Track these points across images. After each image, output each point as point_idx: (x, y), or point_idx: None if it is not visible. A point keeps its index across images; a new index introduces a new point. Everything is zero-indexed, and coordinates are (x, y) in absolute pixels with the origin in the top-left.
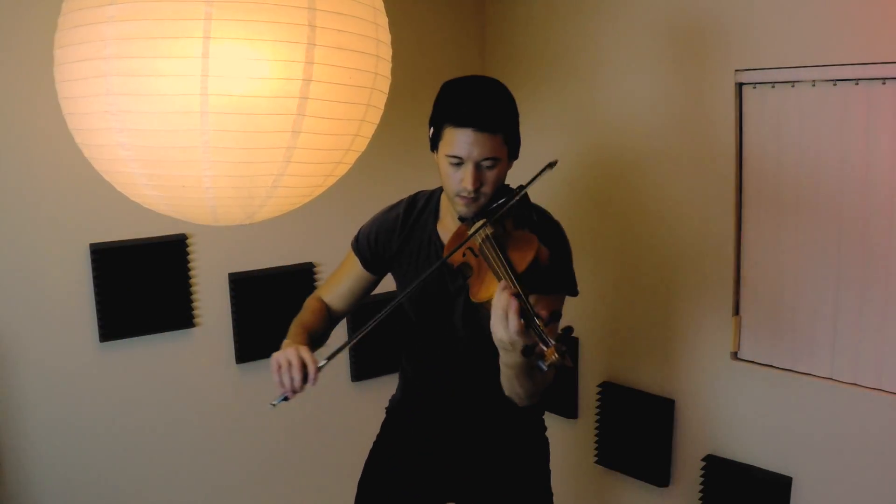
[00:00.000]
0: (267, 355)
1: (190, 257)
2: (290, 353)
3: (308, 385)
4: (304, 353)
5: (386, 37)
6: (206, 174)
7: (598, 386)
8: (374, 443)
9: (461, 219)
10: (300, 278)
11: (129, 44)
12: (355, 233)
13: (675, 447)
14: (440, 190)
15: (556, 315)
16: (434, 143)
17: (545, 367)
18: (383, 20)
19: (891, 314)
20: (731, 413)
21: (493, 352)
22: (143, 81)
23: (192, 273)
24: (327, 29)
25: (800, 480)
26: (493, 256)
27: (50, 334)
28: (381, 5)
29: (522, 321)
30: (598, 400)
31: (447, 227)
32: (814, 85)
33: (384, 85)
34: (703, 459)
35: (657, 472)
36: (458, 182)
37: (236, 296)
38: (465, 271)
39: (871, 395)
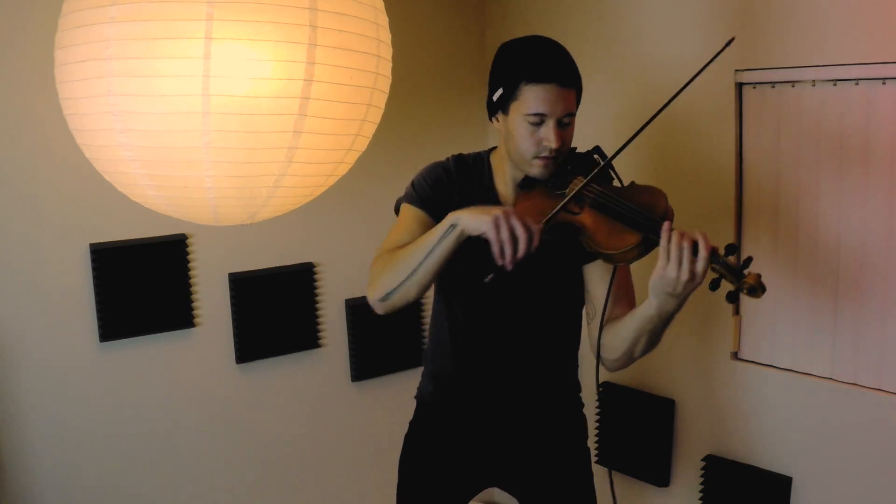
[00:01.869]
0: (267, 355)
1: (190, 257)
2: (511, 217)
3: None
4: (527, 217)
5: (387, 37)
6: (207, 174)
7: (599, 386)
8: (409, 437)
9: (524, 185)
10: (300, 278)
11: (131, 44)
12: (361, 234)
13: (675, 447)
14: (487, 153)
15: (733, 247)
16: (503, 105)
17: (745, 293)
18: (384, 20)
19: (891, 314)
20: (731, 413)
21: (556, 313)
22: (144, 82)
23: (192, 273)
24: (328, 29)
25: (800, 480)
26: (617, 207)
27: (50, 334)
28: (381, 5)
29: (709, 248)
30: (598, 400)
31: (503, 193)
32: (814, 85)
33: (385, 85)
34: (703, 459)
35: (657, 472)
36: (539, 142)
37: (236, 296)
38: (572, 228)
39: (871, 395)
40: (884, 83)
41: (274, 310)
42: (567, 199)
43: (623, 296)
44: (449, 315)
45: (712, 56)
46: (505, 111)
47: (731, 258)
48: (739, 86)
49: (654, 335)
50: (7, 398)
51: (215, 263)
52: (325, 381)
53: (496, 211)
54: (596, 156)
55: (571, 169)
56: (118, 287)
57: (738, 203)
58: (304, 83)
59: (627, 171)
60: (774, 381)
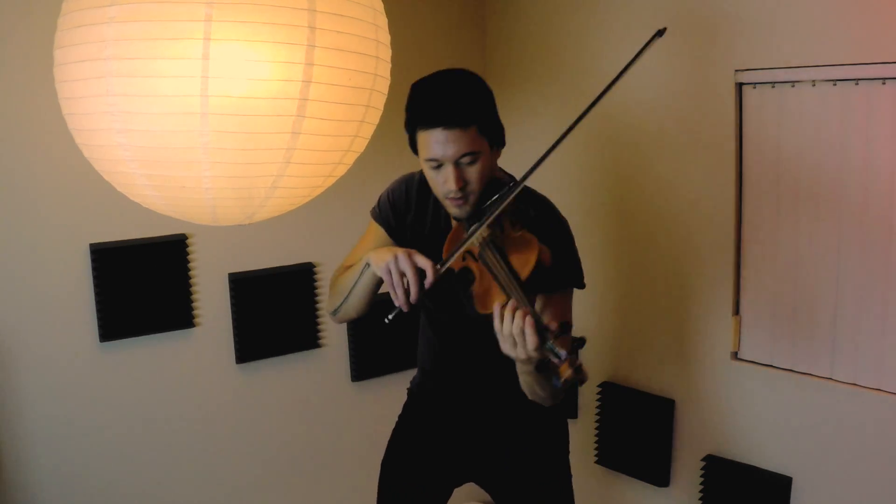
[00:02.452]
0: (267, 355)
1: (190, 257)
2: (401, 259)
3: (423, 292)
4: (417, 255)
5: (385, 38)
6: (205, 175)
7: (598, 386)
8: (397, 424)
9: (456, 219)
10: (300, 278)
11: (130, 45)
12: (361, 234)
13: (675, 447)
14: None
15: (566, 326)
16: (413, 149)
17: (559, 384)
18: (383, 21)
19: (891, 314)
20: (731, 413)
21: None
22: (143, 82)
23: (192, 273)
24: (327, 30)
25: (800, 480)
26: (494, 264)
27: (50, 334)
28: (380, 6)
29: (537, 339)
30: (598, 400)
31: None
32: (814, 85)
33: (384, 86)
34: (703, 459)
35: (657, 472)
36: (443, 184)
37: (236, 296)
38: (467, 276)
39: (871, 395)
40: (884, 83)
41: (274, 310)
42: (459, 248)
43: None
44: (426, 313)
45: (533, 165)
46: (417, 154)
47: (562, 339)
48: (739, 86)
49: (534, 386)
50: (7, 398)
51: (215, 263)
52: (325, 381)
53: (393, 254)
54: (512, 184)
55: (493, 202)
56: (118, 287)
57: (739, 203)
58: (303, 84)
59: (627, 170)
60: (774, 381)
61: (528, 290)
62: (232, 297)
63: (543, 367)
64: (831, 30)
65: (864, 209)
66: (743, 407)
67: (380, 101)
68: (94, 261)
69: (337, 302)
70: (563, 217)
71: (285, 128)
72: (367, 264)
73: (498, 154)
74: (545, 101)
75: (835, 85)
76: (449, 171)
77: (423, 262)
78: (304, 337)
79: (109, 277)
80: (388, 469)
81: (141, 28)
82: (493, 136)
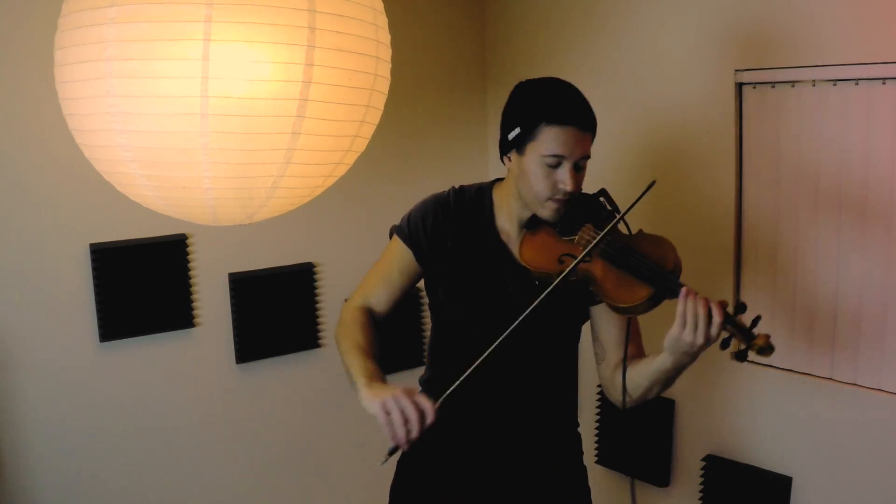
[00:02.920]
0: (267, 355)
1: (190, 257)
2: (401, 399)
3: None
4: (419, 397)
5: (385, 38)
6: (205, 175)
7: (598, 386)
8: (405, 453)
9: (530, 225)
10: (300, 278)
11: (130, 45)
12: (361, 234)
13: (675, 447)
14: (489, 186)
15: (742, 306)
16: (519, 144)
17: (755, 353)
18: (383, 21)
19: (891, 314)
20: (731, 413)
21: (548, 354)
22: (143, 83)
23: (192, 273)
24: (327, 31)
25: (800, 480)
26: (626, 258)
27: (50, 334)
28: (380, 6)
29: (723, 315)
30: (598, 400)
31: (505, 230)
32: (814, 85)
33: (384, 86)
34: (703, 459)
35: (657, 472)
36: (554, 184)
37: (236, 296)
38: (579, 279)
39: (871, 395)
40: (884, 83)
41: (274, 310)
42: (576, 261)
43: (632, 339)
44: (443, 338)
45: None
46: (520, 151)
47: (741, 317)
48: (739, 86)
49: (669, 382)
50: (7, 398)
51: (215, 263)
52: (325, 381)
53: (388, 393)
54: (602, 199)
55: (578, 213)
56: (118, 287)
57: (739, 202)
58: (303, 84)
59: (627, 170)
60: (774, 381)
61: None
62: (232, 297)
63: (726, 344)
64: (831, 30)
65: (863, 209)
66: (743, 407)
67: (380, 101)
68: (94, 261)
69: (340, 354)
70: None
71: (285, 128)
72: (358, 387)
73: None
74: None
75: (835, 85)
76: (567, 170)
77: (425, 403)
78: (304, 337)
79: (109, 277)
80: (400, 487)
81: (141, 29)
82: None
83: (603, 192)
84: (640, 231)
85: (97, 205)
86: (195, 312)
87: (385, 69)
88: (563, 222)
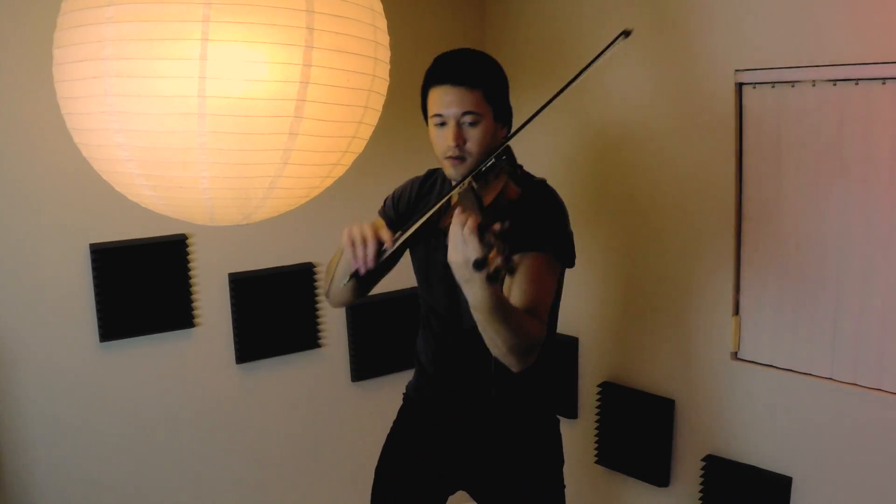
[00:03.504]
0: (267, 355)
1: (190, 257)
2: (364, 226)
3: (380, 259)
4: (380, 227)
5: (384, 39)
6: (203, 175)
7: (598, 386)
8: (392, 429)
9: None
10: (300, 278)
11: (128, 45)
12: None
13: (675, 447)
14: None
15: (505, 227)
16: (425, 115)
17: (494, 275)
18: (381, 22)
19: (891, 314)
20: (731, 413)
21: None
22: (141, 82)
23: (192, 273)
24: (325, 31)
25: (800, 480)
26: (466, 200)
27: (50, 334)
28: (379, 7)
29: (476, 230)
30: (598, 400)
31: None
32: (814, 85)
33: (382, 87)
34: (703, 459)
35: (657, 472)
36: (444, 143)
37: (236, 296)
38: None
39: (871, 395)
40: (884, 83)
41: (274, 310)
42: (442, 199)
43: (524, 295)
44: (424, 317)
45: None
46: (426, 121)
47: (496, 237)
48: (739, 86)
49: (493, 325)
50: (7, 398)
51: (215, 263)
52: (325, 381)
53: (359, 225)
54: (504, 157)
55: (480, 163)
56: (118, 287)
57: (739, 203)
58: (301, 85)
59: (627, 170)
60: (774, 381)
61: (489, 216)
62: (232, 297)
63: (481, 264)
64: (831, 30)
65: (864, 208)
66: (743, 407)
67: (378, 103)
68: (94, 261)
69: (327, 284)
70: (556, 194)
71: (283, 128)
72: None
73: (503, 132)
74: (543, 101)
75: (835, 85)
76: (450, 128)
77: (384, 232)
78: (304, 337)
79: (109, 277)
80: (381, 475)
81: (139, 28)
82: (499, 109)
83: (506, 148)
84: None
85: (97, 205)
86: (195, 312)
87: (383, 70)
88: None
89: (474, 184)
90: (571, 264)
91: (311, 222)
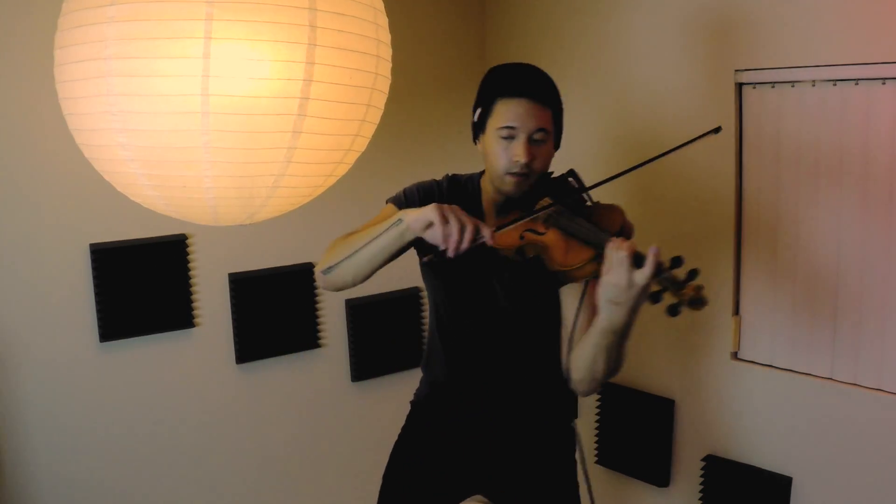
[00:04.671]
0: (267, 355)
1: (190, 257)
2: (458, 210)
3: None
4: (473, 217)
5: (386, 37)
6: (206, 174)
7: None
8: (400, 436)
9: (502, 205)
10: (300, 278)
11: (130, 44)
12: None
13: (675, 447)
14: (478, 175)
15: (678, 260)
16: (481, 124)
17: (680, 307)
18: (383, 20)
19: (891, 314)
20: (731, 413)
21: (537, 334)
22: (143, 82)
23: (192, 273)
24: (328, 29)
25: (800, 480)
26: (576, 226)
27: (50, 334)
28: (381, 5)
29: (655, 264)
30: (598, 400)
31: (486, 215)
32: (814, 85)
33: (384, 85)
34: (703, 459)
35: (657, 472)
36: (510, 157)
37: (236, 296)
38: (525, 252)
39: (871, 395)
40: (884, 83)
41: (274, 310)
42: (529, 215)
43: (595, 317)
44: (438, 324)
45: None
46: (483, 130)
47: (677, 271)
48: (739, 86)
49: (611, 352)
50: (7, 398)
51: (215, 263)
52: (325, 381)
53: (450, 206)
54: (571, 179)
55: (545, 192)
56: (118, 287)
57: (738, 203)
58: (304, 83)
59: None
60: (774, 381)
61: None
62: (232, 297)
63: (657, 297)
64: (831, 30)
65: (863, 209)
66: (743, 407)
67: (380, 101)
68: (94, 261)
69: (340, 257)
70: None
71: (286, 127)
72: (399, 220)
73: (553, 153)
74: None
75: (835, 85)
76: (521, 142)
77: (483, 224)
78: (304, 337)
79: (109, 277)
80: (391, 482)
81: (141, 27)
82: (557, 133)
83: (571, 172)
84: (597, 203)
85: (97, 205)
86: (195, 312)
87: (386, 68)
88: (529, 201)
89: (559, 208)
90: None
91: (312, 222)
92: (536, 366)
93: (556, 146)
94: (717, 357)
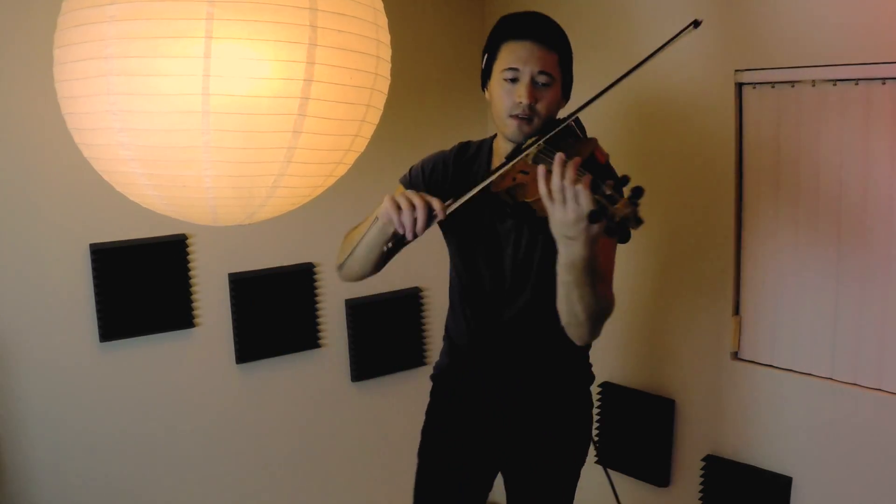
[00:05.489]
0: (267, 355)
1: (190, 257)
2: (409, 193)
3: (429, 226)
4: (426, 195)
5: (386, 37)
6: (206, 174)
7: (599, 386)
8: (427, 412)
9: (513, 145)
10: (300, 278)
11: (130, 43)
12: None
13: (675, 447)
14: (491, 138)
15: (623, 180)
16: (488, 70)
17: (617, 226)
18: (383, 21)
19: (891, 314)
20: (731, 413)
21: (543, 293)
22: (143, 81)
23: (192, 273)
24: (328, 29)
25: (800, 480)
26: (549, 158)
27: (50, 334)
28: (381, 6)
29: (590, 181)
30: (598, 400)
31: None
32: (814, 85)
33: (384, 85)
34: (703, 459)
35: (657, 472)
36: (513, 99)
37: (236, 296)
38: (516, 192)
39: (871, 395)
40: (884, 83)
41: (274, 310)
42: (510, 161)
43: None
44: (458, 284)
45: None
46: (490, 76)
47: (613, 191)
48: (739, 86)
49: (582, 288)
50: (7, 398)
51: (215, 263)
52: (325, 381)
53: (403, 192)
54: (573, 123)
55: (549, 129)
56: (118, 287)
57: (739, 203)
58: (304, 83)
59: (627, 170)
60: (774, 381)
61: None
62: (232, 297)
63: (597, 216)
64: (831, 30)
65: (863, 209)
66: (743, 407)
67: (380, 101)
68: (94, 261)
69: (345, 254)
70: None
71: (286, 127)
72: (377, 217)
73: (562, 104)
74: None
75: (835, 85)
76: (524, 84)
77: (433, 200)
78: (304, 337)
79: (109, 277)
80: (426, 458)
81: (142, 27)
82: (566, 79)
83: (574, 118)
84: (583, 137)
85: (97, 205)
86: (195, 312)
87: (385, 69)
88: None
89: (542, 146)
90: (626, 239)
91: (312, 222)
92: (550, 323)
93: (566, 97)
94: (717, 357)
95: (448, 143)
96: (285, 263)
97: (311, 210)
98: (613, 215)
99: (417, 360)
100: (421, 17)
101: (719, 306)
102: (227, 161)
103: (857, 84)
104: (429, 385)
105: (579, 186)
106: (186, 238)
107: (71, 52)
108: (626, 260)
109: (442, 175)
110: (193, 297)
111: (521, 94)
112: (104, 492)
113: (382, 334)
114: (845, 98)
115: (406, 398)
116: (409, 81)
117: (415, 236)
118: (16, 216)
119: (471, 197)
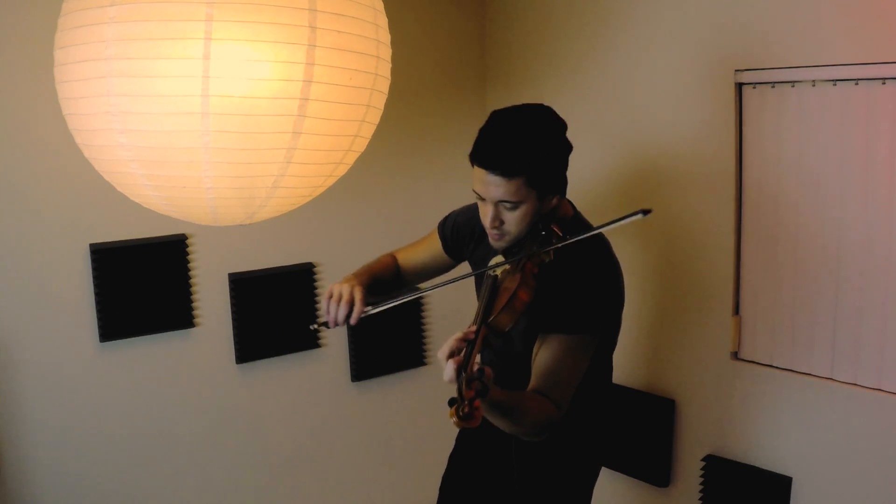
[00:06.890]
0: (267, 355)
1: (190, 257)
2: (345, 287)
3: (349, 322)
4: (358, 293)
5: (386, 38)
6: (206, 175)
7: None
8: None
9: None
10: (300, 278)
11: (130, 45)
12: (361, 234)
13: (675, 447)
14: None
15: (479, 373)
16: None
17: (455, 416)
18: (383, 21)
19: (891, 314)
20: (731, 413)
21: (517, 372)
22: (143, 82)
23: (192, 273)
24: (328, 30)
25: (800, 480)
26: (485, 294)
27: (50, 334)
28: (381, 6)
29: (453, 373)
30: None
31: None
32: (814, 85)
33: (384, 86)
34: (703, 459)
35: (657, 472)
36: (483, 217)
37: (236, 296)
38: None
39: (871, 395)
40: (884, 83)
41: (274, 310)
42: (466, 275)
43: (541, 373)
44: None
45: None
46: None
47: (470, 384)
48: (739, 86)
49: (494, 420)
50: (7, 398)
51: (215, 263)
52: (325, 381)
53: (343, 284)
54: (544, 232)
55: (525, 247)
56: (118, 287)
57: (738, 203)
58: (304, 84)
59: (627, 170)
60: (774, 381)
61: (490, 326)
62: (232, 297)
63: (452, 402)
64: (831, 30)
65: (863, 209)
66: (743, 407)
67: (380, 101)
68: (94, 261)
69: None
70: (601, 264)
71: (286, 127)
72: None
73: (555, 201)
74: (545, 100)
75: (835, 85)
76: (488, 208)
77: (358, 299)
78: (304, 337)
79: (109, 277)
80: (442, 489)
81: (142, 28)
82: (546, 187)
83: (549, 227)
84: (523, 272)
85: (97, 205)
86: (195, 312)
87: (385, 69)
88: (507, 251)
89: (502, 269)
90: (612, 345)
91: (312, 222)
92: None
93: (557, 192)
94: (717, 357)
95: (447, 143)
96: (285, 263)
97: (311, 210)
98: (456, 408)
99: (417, 360)
100: (421, 17)
101: (719, 306)
102: (226, 162)
103: (857, 84)
104: (429, 385)
105: (449, 367)
106: (186, 238)
107: (71, 53)
108: (627, 260)
109: (469, 236)
110: (193, 297)
111: (484, 217)
112: (104, 492)
113: (382, 334)
114: (845, 98)
115: (406, 398)
116: (409, 81)
117: (335, 325)
118: (16, 216)
119: (390, 307)
